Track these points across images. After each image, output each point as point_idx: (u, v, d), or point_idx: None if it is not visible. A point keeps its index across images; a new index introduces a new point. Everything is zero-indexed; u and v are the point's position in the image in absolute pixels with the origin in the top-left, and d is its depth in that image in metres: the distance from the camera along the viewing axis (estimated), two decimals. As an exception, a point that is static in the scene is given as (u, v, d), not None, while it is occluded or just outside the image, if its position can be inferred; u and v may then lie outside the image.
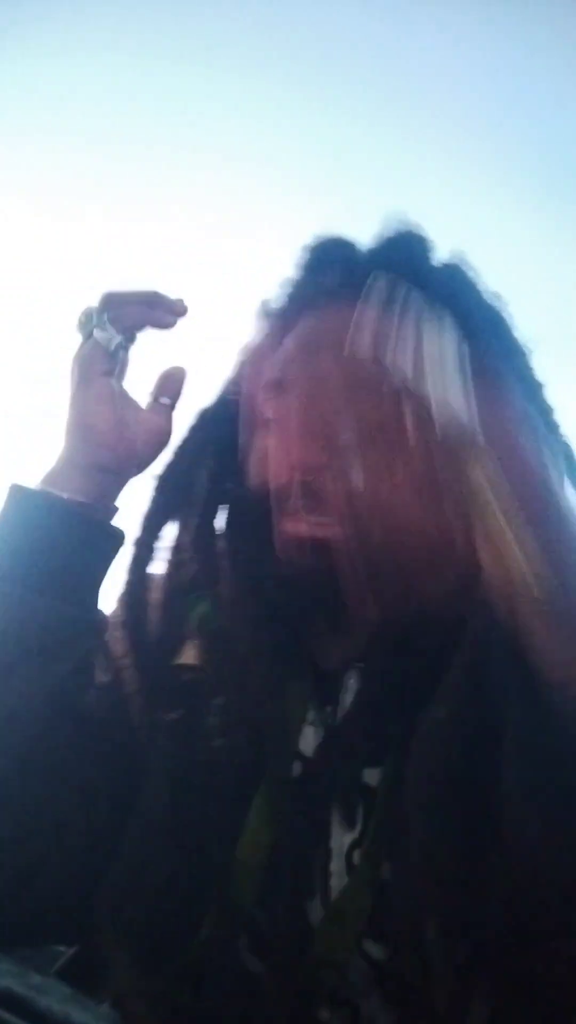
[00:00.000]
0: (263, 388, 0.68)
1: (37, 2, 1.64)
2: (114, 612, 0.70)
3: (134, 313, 0.70)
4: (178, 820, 0.63)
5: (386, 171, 1.69)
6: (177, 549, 0.70)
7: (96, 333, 0.69)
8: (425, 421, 0.60)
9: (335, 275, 0.69)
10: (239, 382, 0.72)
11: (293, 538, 0.62)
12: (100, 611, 0.70)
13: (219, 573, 0.68)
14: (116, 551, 0.70)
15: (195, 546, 0.70)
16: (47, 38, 1.61)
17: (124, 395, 0.72)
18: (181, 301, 0.72)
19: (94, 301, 0.70)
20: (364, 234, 0.72)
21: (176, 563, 0.70)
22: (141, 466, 0.72)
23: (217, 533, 0.70)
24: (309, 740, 0.66)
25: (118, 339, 0.70)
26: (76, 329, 0.71)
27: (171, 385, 0.74)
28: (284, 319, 0.70)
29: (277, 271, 0.75)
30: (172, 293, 0.72)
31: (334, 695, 0.65)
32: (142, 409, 0.72)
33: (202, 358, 0.79)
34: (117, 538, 0.71)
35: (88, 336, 0.70)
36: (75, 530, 0.68)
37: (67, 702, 0.66)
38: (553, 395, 0.72)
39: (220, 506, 0.71)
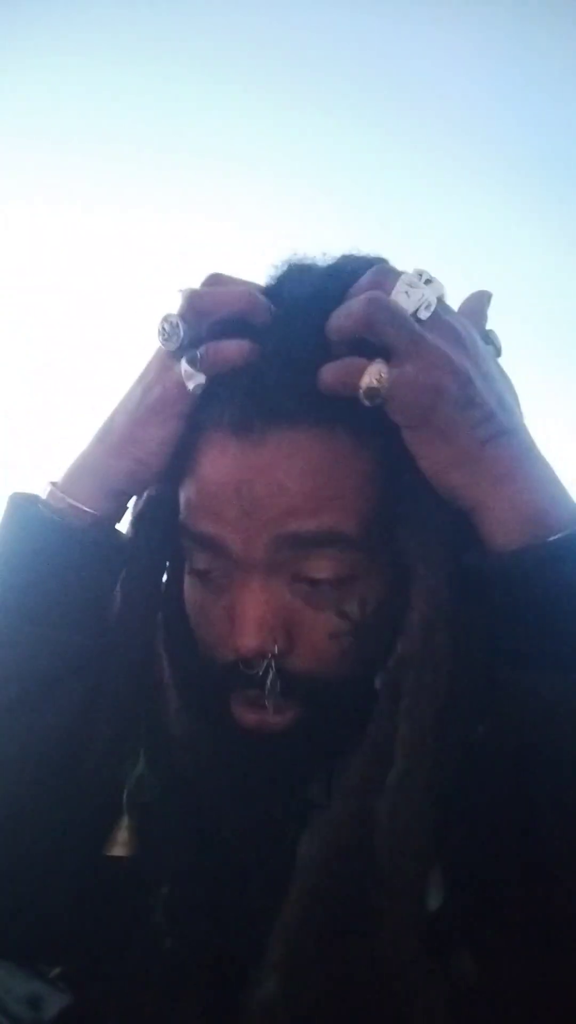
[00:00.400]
0: (188, 536, 0.61)
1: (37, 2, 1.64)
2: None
3: (226, 355, 0.58)
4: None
5: (385, 171, 1.69)
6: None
7: (184, 366, 0.58)
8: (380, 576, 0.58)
9: (241, 388, 0.57)
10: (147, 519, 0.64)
11: (255, 729, 0.60)
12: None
13: (165, 714, 0.64)
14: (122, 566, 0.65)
15: (134, 678, 0.63)
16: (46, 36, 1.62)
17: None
18: (267, 304, 0.60)
19: (179, 310, 0.59)
20: (370, 243, 0.61)
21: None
22: None
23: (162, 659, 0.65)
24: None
25: (202, 383, 0.58)
26: (159, 338, 0.60)
27: None
28: (189, 434, 0.60)
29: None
30: (256, 293, 0.60)
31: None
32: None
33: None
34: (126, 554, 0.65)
35: (171, 352, 0.60)
36: (96, 554, 0.62)
37: (69, 748, 0.60)
38: (555, 397, 0.70)
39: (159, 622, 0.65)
